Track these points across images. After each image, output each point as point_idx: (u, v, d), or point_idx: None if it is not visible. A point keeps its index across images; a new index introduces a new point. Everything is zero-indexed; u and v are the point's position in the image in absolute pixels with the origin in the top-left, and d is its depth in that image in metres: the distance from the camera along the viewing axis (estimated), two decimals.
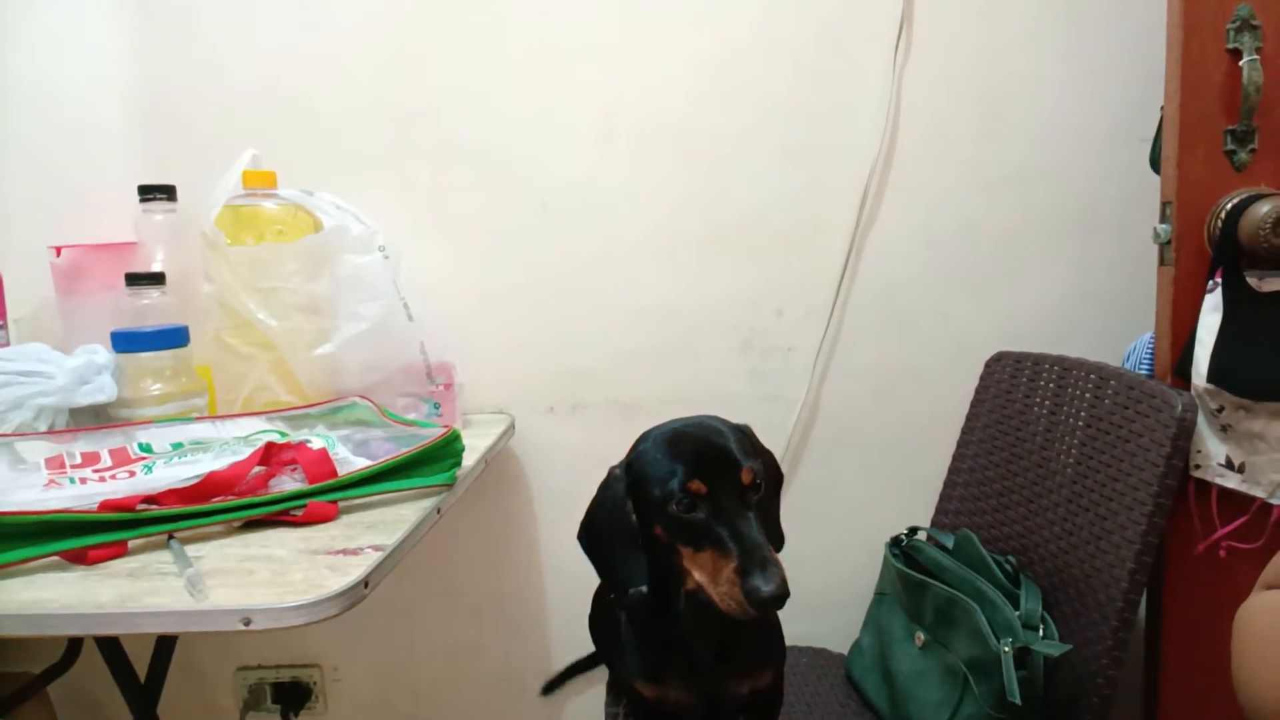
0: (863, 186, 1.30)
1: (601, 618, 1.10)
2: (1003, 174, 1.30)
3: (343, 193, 1.27)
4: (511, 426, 1.34)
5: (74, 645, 1.31)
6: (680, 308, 1.35)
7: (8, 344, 1.18)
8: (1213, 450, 0.96)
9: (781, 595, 0.71)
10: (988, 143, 1.30)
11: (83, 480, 0.86)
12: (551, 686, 1.43)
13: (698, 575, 0.77)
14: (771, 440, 1.34)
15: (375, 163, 1.33)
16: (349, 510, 0.88)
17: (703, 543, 0.77)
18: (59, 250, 1.21)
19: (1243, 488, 0.95)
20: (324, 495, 0.86)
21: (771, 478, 0.88)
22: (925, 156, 1.30)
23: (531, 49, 1.31)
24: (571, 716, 1.48)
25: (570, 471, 1.39)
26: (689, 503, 0.77)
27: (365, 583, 0.71)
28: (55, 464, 0.90)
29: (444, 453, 0.95)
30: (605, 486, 0.85)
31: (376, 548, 0.77)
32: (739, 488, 0.78)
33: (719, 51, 1.30)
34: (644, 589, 0.80)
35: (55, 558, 0.74)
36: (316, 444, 0.93)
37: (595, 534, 0.86)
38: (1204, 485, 0.98)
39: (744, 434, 0.85)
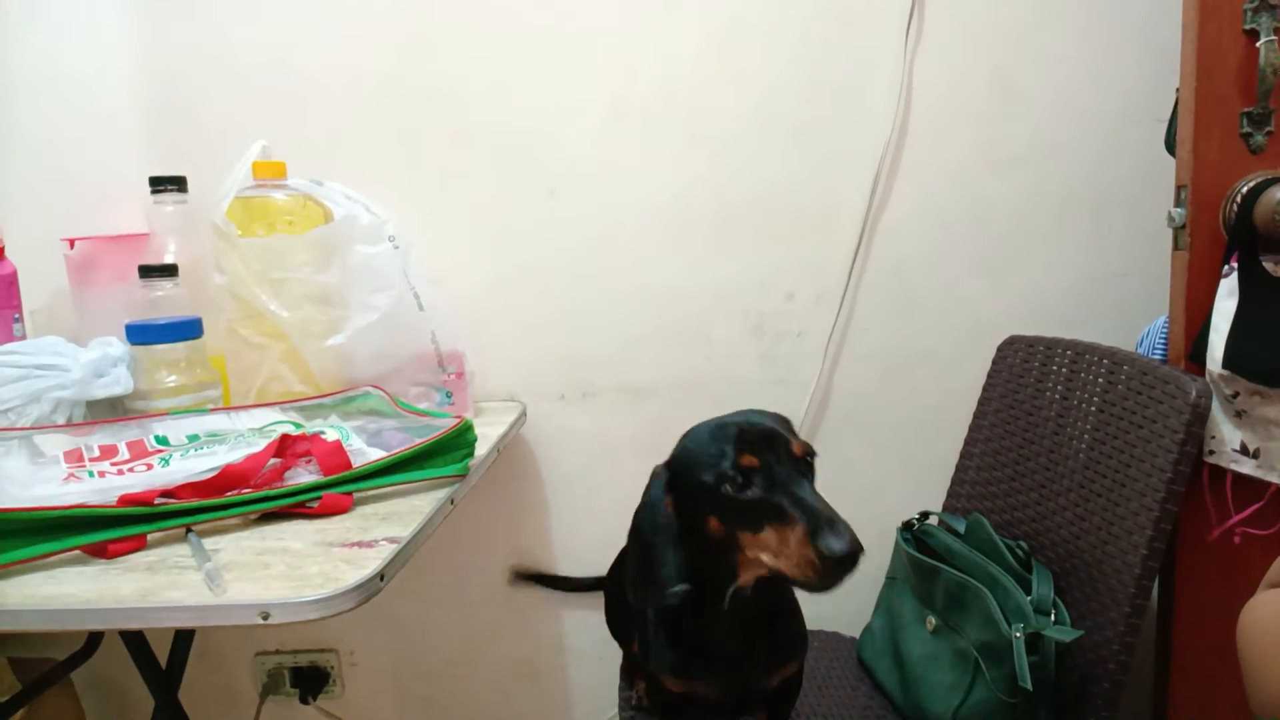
0: (875, 167, 1.29)
1: (622, 610, 1.10)
2: (1015, 154, 1.29)
3: (352, 182, 1.27)
4: (523, 414, 1.34)
5: (96, 633, 1.33)
6: (690, 292, 1.35)
7: (24, 337, 1.19)
8: (1227, 436, 0.96)
9: (856, 551, 0.69)
10: (1001, 122, 1.28)
11: (101, 474, 0.87)
12: (522, 576, 1.43)
13: (764, 557, 0.74)
14: None
15: (384, 151, 1.33)
16: (364, 502, 0.88)
17: (762, 520, 0.74)
18: (72, 242, 1.22)
19: (1257, 474, 0.94)
20: (339, 487, 0.87)
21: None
22: (938, 136, 1.29)
23: (540, 32, 1.30)
24: (584, 700, 1.49)
25: (582, 457, 1.40)
26: (743, 479, 0.74)
27: (381, 576, 0.72)
28: (74, 457, 0.92)
29: (456, 444, 0.95)
30: (647, 487, 0.83)
31: (391, 540, 0.78)
32: (791, 459, 0.76)
33: (729, 32, 1.28)
34: (686, 585, 0.78)
35: (76, 552, 0.75)
36: (331, 436, 0.94)
37: (638, 536, 0.83)
38: (1218, 471, 0.97)
39: (785, 421, 0.83)
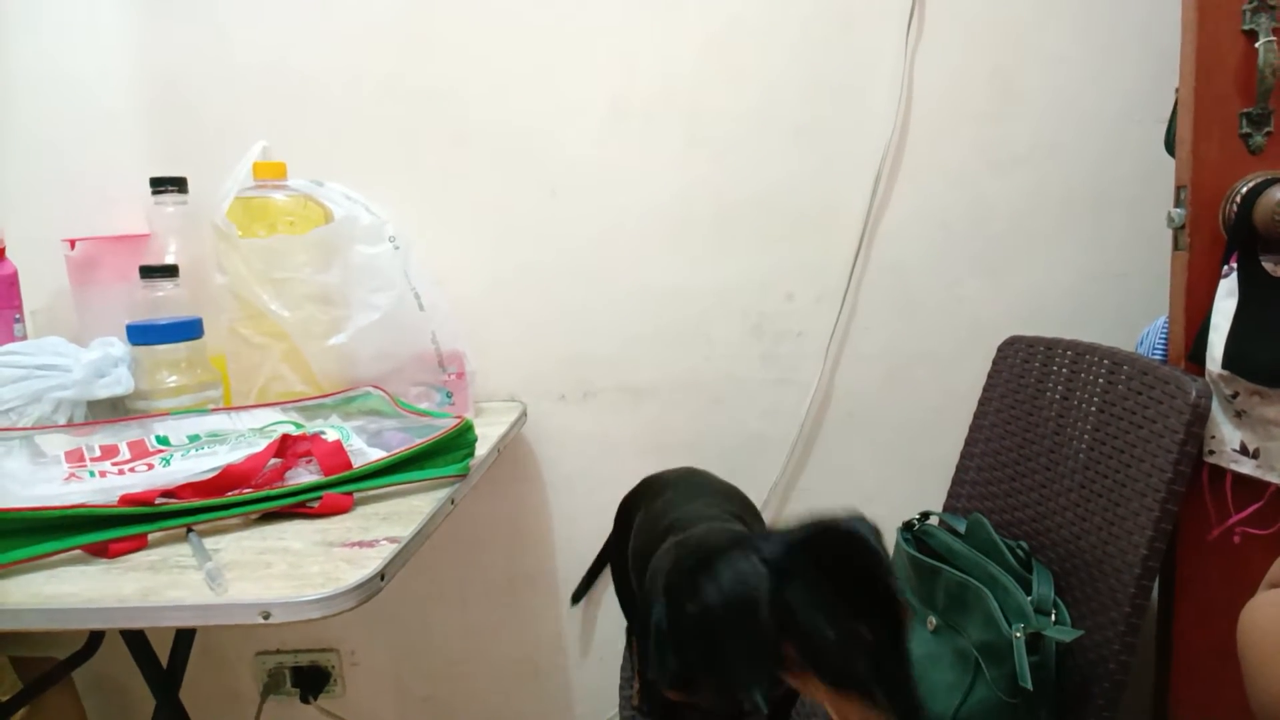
0: (875, 168, 1.29)
1: (633, 608, 1.09)
2: (1015, 154, 1.29)
3: (353, 182, 1.27)
4: (524, 414, 1.35)
5: (97, 633, 1.33)
6: (691, 292, 1.35)
7: (25, 337, 1.19)
8: (1227, 436, 0.96)
9: None
10: (1001, 122, 1.28)
11: (102, 474, 0.87)
12: (579, 595, 1.43)
13: (830, 709, 0.69)
14: (784, 425, 1.36)
15: (385, 151, 1.33)
16: (364, 501, 0.89)
17: (848, 685, 0.67)
18: (73, 243, 1.22)
19: (1257, 474, 0.95)
20: (339, 487, 0.87)
21: None
22: (938, 137, 1.29)
23: (540, 32, 1.30)
24: (585, 699, 1.49)
25: (582, 457, 1.40)
26: (850, 650, 0.67)
27: (381, 575, 0.72)
28: (75, 457, 0.92)
29: (456, 444, 0.95)
30: (731, 565, 0.72)
31: (392, 540, 0.78)
32: (899, 628, 0.68)
33: (728, 32, 1.28)
34: (761, 701, 0.70)
35: (77, 551, 0.75)
36: (331, 436, 0.94)
37: (701, 612, 0.73)
38: (1218, 471, 0.97)
39: (884, 544, 0.74)
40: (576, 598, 1.43)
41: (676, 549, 0.88)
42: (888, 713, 0.65)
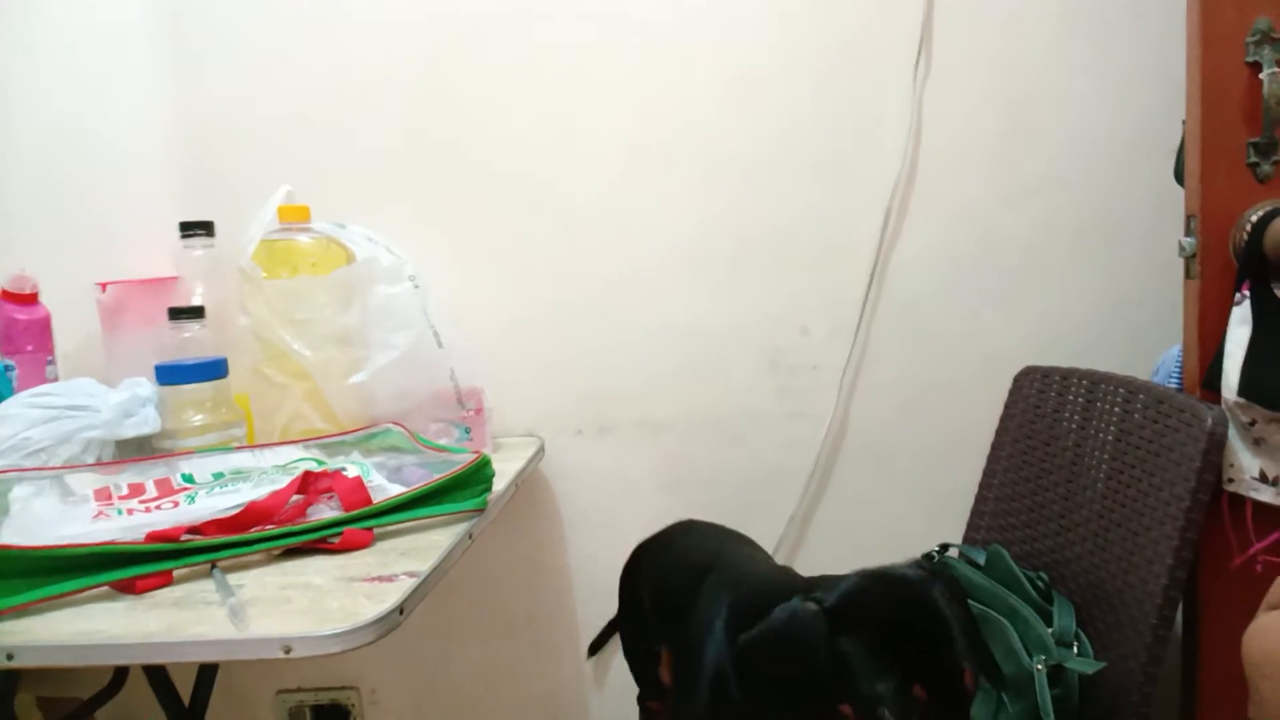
0: (886, 203, 1.31)
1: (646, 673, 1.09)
2: (1027, 187, 1.30)
3: (374, 224, 1.30)
4: (541, 449, 1.36)
5: (121, 671, 1.34)
6: (706, 327, 1.36)
7: (56, 379, 1.22)
8: (1246, 464, 0.95)
9: None
10: (1011, 156, 1.30)
11: (129, 511, 0.89)
12: (596, 647, 1.42)
13: None
14: (800, 458, 1.37)
15: (405, 194, 1.37)
16: (384, 537, 0.90)
17: None
18: (104, 286, 1.26)
19: (1277, 501, 0.94)
20: (359, 523, 0.88)
21: None
22: (948, 171, 1.31)
23: (557, 78, 1.33)
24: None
25: (600, 493, 1.41)
26: (905, 712, 0.66)
27: (400, 610, 0.73)
28: (103, 495, 0.94)
29: (474, 479, 0.96)
30: (792, 618, 0.72)
31: (411, 574, 0.79)
32: (961, 695, 0.68)
33: (742, 74, 1.31)
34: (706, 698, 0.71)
35: (105, 588, 0.77)
36: (352, 472, 0.95)
37: (764, 665, 0.73)
38: (1238, 499, 0.97)
39: (954, 600, 0.73)
40: (594, 649, 1.42)
41: (730, 590, 0.87)
42: None
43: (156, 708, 1.12)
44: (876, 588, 0.73)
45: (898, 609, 0.71)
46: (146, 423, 1.08)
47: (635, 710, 1.21)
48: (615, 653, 1.45)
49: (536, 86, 1.34)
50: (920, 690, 0.66)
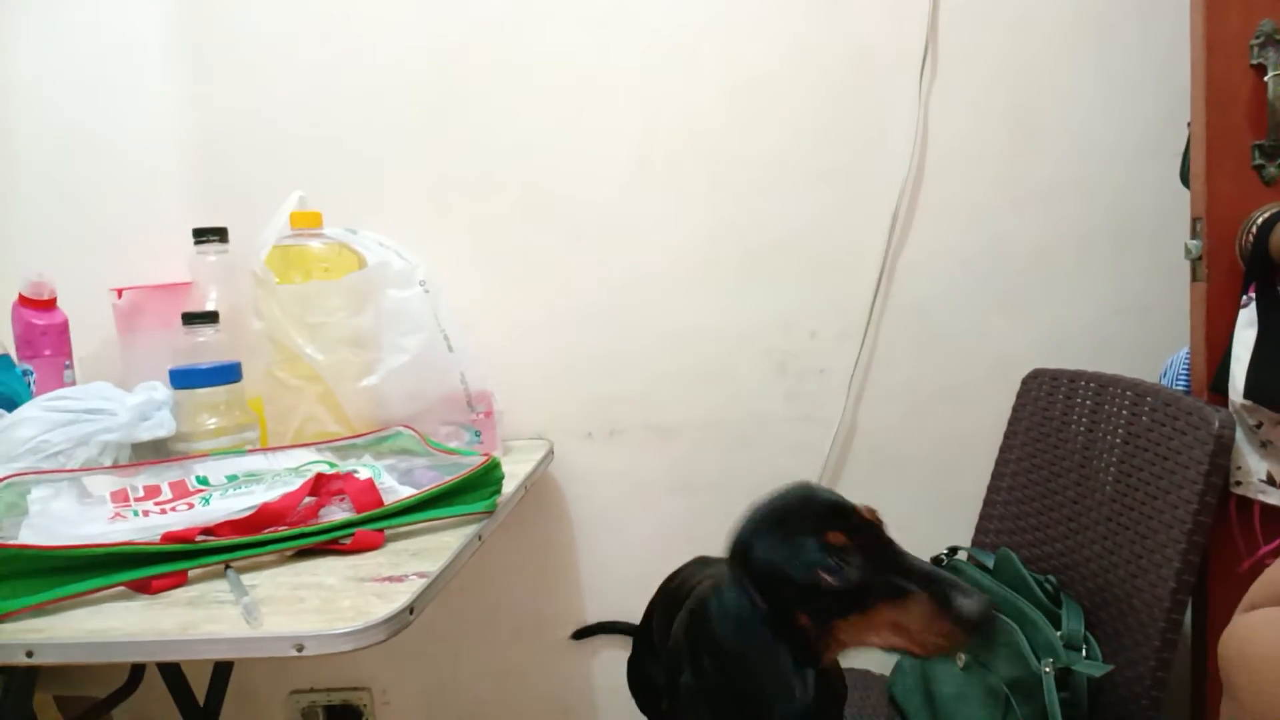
0: (893, 207, 1.31)
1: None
2: (1034, 191, 1.30)
3: (385, 229, 1.32)
4: (551, 452, 1.37)
5: (137, 670, 1.36)
6: (715, 331, 1.37)
7: (74, 383, 1.24)
8: (1253, 466, 0.95)
9: (992, 607, 0.64)
10: (1017, 160, 1.30)
11: (145, 513, 0.90)
12: (581, 634, 1.44)
13: (876, 639, 0.69)
14: (809, 461, 1.37)
15: (415, 199, 1.38)
16: (395, 538, 0.91)
17: (873, 599, 0.68)
18: (120, 292, 1.28)
19: None
20: (371, 524, 0.89)
21: None
22: (955, 175, 1.31)
23: (566, 84, 1.34)
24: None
25: (610, 496, 1.42)
26: (839, 562, 0.68)
27: (410, 609, 0.74)
28: (119, 497, 0.95)
29: (484, 481, 0.98)
30: (718, 600, 0.75)
31: (421, 574, 0.80)
32: (871, 527, 0.71)
33: (749, 80, 1.32)
34: (810, 692, 0.70)
35: (121, 587, 0.78)
36: (363, 474, 0.97)
37: (733, 656, 0.73)
38: (1245, 502, 0.96)
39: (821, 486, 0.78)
40: (579, 634, 1.43)
41: (688, 614, 0.88)
42: (918, 591, 0.65)
43: (172, 707, 1.14)
44: (757, 508, 0.77)
45: (780, 504, 0.76)
46: (162, 426, 1.09)
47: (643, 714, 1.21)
48: (624, 657, 1.46)
49: (545, 93, 1.35)
50: (836, 535, 0.69)
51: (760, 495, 0.79)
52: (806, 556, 0.69)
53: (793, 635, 0.71)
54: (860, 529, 0.71)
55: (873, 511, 0.74)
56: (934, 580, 0.66)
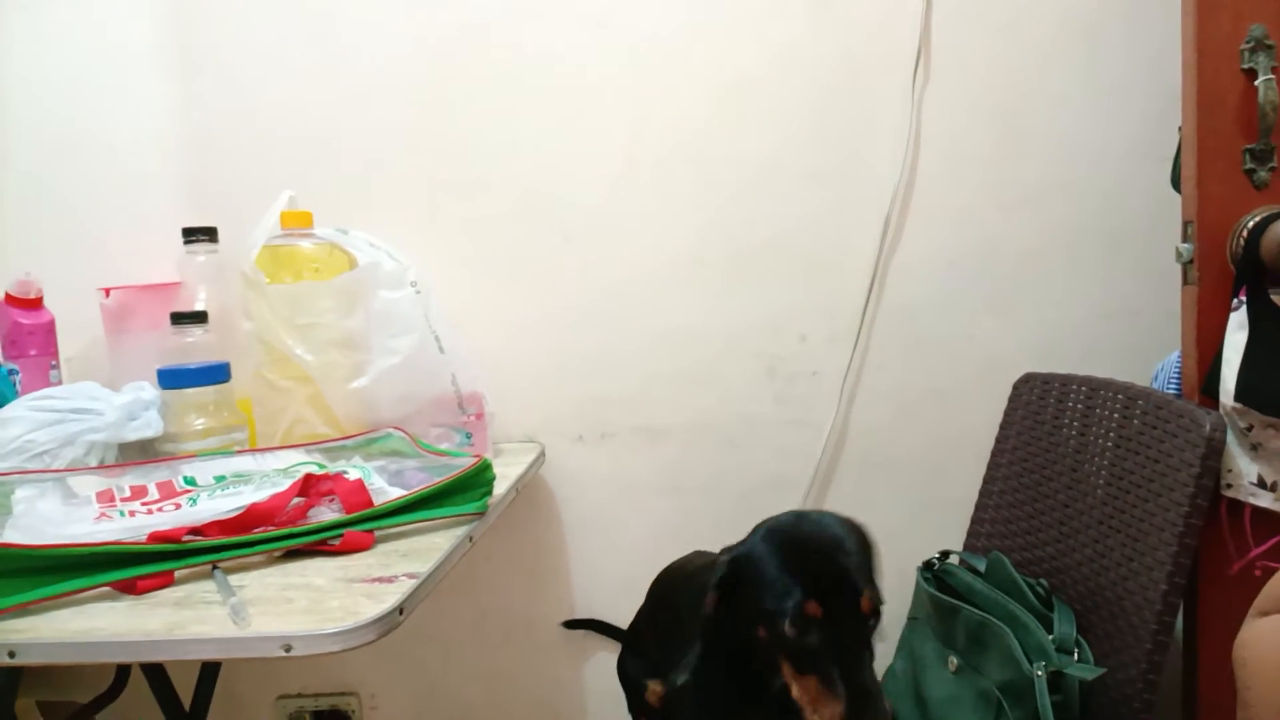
0: (885, 210, 1.32)
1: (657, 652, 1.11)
2: (1024, 194, 1.31)
3: (375, 230, 1.32)
4: (541, 454, 1.36)
5: (122, 675, 1.34)
6: (704, 334, 1.37)
7: (60, 382, 1.23)
8: (1244, 469, 0.96)
9: None
10: (1008, 163, 1.30)
11: (131, 513, 0.89)
12: (573, 625, 1.43)
13: (795, 691, 0.74)
14: (800, 465, 1.37)
15: (406, 200, 1.38)
16: (384, 539, 0.90)
17: (809, 669, 0.73)
18: (108, 291, 1.27)
19: (1276, 506, 0.94)
20: (360, 525, 0.89)
21: None
22: (946, 178, 1.32)
23: (554, 85, 1.34)
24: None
25: (600, 497, 1.41)
26: (803, 627, 0.72)
27: (400, 610, 0.73)
28: (105, 497, 0.94)
29: (475, 482, 0.97)
30: (713, 569, 0.81)
31: (411, 575, 0.79)
32: (858, 618, 0.74)
33: (739, 80, 1.32)
34: (680, 680, 0.78)
35: (106, 588, 0.77)
36: (353, 475, 0.96)
37: (692, 609, 0.83)
38: (1236, 505, 0.97)
39: (865, 540, 0.80)
40: (571, 625, 1.43)
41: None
42: (843, 701, 0.69)
43: (157, 713, 1.12)
44: (790, 520, 0.81)
45: (806, 535, 0.79)
46: (149, 426, 1.09)
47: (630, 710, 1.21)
48: (614, 660, 1.45)
49: (535, 93, 1.35)
50: (815, 607, 0.72)
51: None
52: (782, 599, 0.73)
53: (749, 639, 0.77)
54: (846, 612, 0.73)
55: (874, 604, 0.75)
56: (860, 701, 0.69)
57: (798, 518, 0.82)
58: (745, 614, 0.78)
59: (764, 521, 0.83)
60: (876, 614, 0.75)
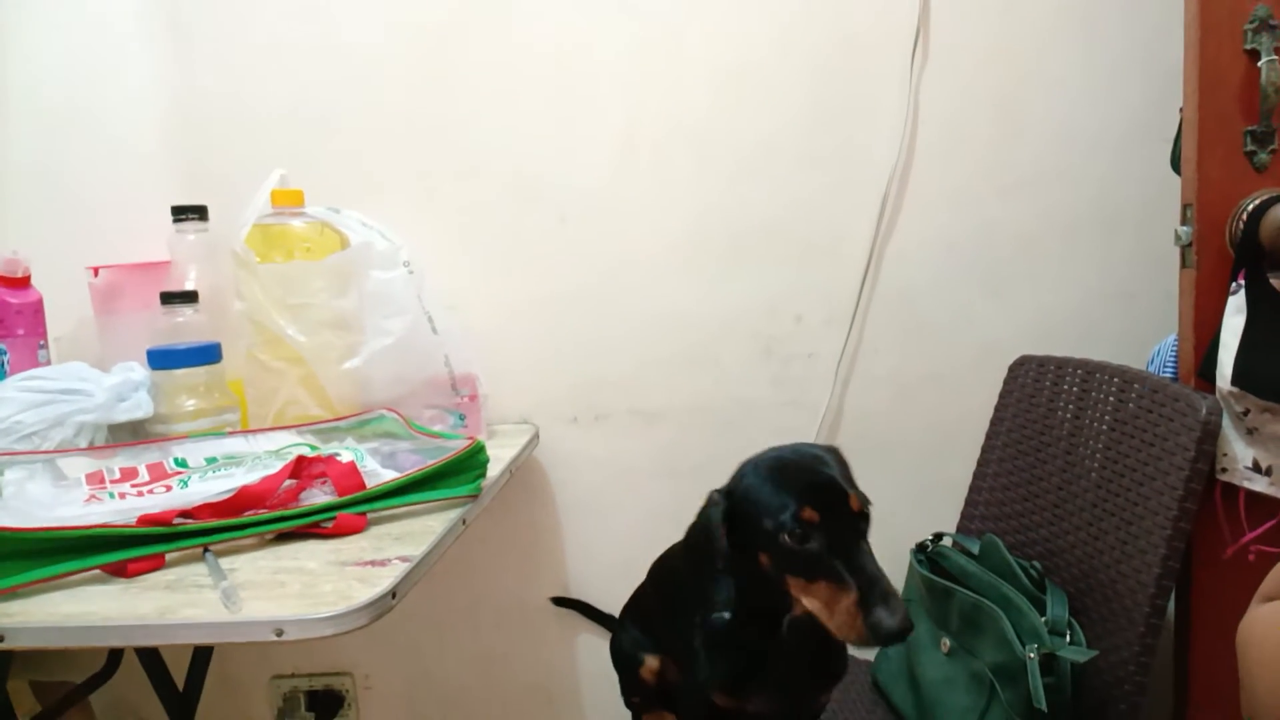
0: (882, 193, 1.31)
1: (660, 624, 1.12)
2: (1021, 177, 1.30)
3: (368, 210, 1.30)
4: (536, 436, 1.36)
5: (115, 655, 1.34)
6: (700, 316, 1.36)
7: (49, 363, 1.22)
8: (1239, 453, 0.95)
9: (906, 629, 0.71)
10: (1006, 146, 1.30)
11: (121, 495, 0.89)
12: (562, 602, 1.44)
13: (809, 604, 0.77)
14: None
15: (399, 180, 1.36)
16: (377, 522, 0.89)
17: (816, 574, 0.76)
18: (96, 270, 1.25)
19: (1271, 491, 0.94)
20: (353, 508, 0.88)
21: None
22: (944, 161, 1.31)
23: (550, 66, 1.33)
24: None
25: (595, 480, 1.41)
26: (803, 534, 0.76)
27: (393, 594, 0.73)
28: (95, 479, 0.93)
29: (468, 464, 0.96)
30: (703, 510, 0.85)
31: (404, 559, 0.79)
32: (850, 516, 0.78)
33: (737, 63, 1.31)
34: (726, 615, 0.81)
35: (96, 571, 0.77)
36: (345, 457, 0.95)
37: (688, 555, 0.87)
38: (1231, 489, 0.97)
39: (841, 457, 0.85)
40: (558, 601, 1.43)
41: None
42: (854, 588, 0.73)
43: (151, 693, 1.12)
44: (774, 452, 0.85)
45: (789, 460, 0.83)
46: (140, 407, 1.08)
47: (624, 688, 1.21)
48: (602, 643, 1.45)
49: (530, 75, 1.33)
50: (810, 512, 0.76)
51: (787, 442, 0.87)
52: (780, 515, 0.77)
53: (753, 569, 0.80)
54: (839, 514, 0.77)
55: (862, 504, 0.79)
56: (869, 585, 0.73)
57: (775, 450, 0.85)
58: (748, 547, 0.80)
59: (745, 462, 0.86)
60: (865, 515, 0.79)
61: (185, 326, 1.17)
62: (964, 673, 1.04)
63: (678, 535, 1.19)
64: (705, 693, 0.92)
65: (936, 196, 1.31)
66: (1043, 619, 0.97)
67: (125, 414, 1.07)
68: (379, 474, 0.95)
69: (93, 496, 0.88)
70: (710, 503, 0.84)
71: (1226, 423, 0.95)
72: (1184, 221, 0.98)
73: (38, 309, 1.23)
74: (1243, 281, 0.94)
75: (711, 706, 0.92)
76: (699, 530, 0.85)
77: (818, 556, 0.76)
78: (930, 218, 1.32)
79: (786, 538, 0.76)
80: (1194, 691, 1.02)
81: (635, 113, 1.33)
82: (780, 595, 0.80)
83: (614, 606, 1.39)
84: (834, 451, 0.85)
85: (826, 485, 0.79)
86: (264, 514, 0.85)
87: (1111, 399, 1.06)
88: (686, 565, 0.88)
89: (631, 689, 1.19)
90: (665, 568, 1.16)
